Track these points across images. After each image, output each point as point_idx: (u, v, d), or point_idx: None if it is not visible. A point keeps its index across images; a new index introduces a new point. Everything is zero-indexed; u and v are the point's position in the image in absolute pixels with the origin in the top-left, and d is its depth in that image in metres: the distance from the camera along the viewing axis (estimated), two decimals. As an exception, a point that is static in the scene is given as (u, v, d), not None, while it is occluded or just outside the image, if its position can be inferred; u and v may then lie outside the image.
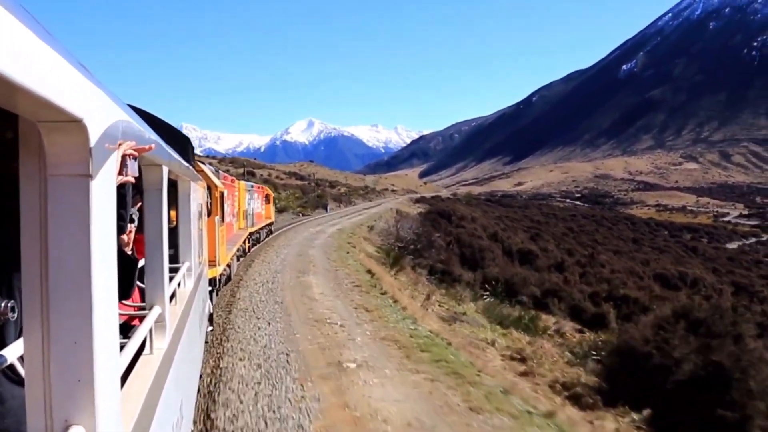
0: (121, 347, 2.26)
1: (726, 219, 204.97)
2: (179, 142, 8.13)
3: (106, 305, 1.91)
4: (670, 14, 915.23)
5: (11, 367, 2.06)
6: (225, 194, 17.46)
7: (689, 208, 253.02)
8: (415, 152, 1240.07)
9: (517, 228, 73.86)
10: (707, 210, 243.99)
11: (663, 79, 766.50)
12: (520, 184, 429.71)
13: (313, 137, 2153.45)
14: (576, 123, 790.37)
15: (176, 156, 5.07)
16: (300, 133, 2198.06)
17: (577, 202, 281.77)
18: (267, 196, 38.99)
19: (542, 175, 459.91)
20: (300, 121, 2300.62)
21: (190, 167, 7.40)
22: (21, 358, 1.98)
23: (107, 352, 1.98)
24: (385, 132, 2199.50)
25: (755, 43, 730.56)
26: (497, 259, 37.73)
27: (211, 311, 13.02)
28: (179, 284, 5.41)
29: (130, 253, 3.94)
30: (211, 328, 12.62)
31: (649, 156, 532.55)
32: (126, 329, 3.53)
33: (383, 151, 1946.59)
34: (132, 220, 5.00)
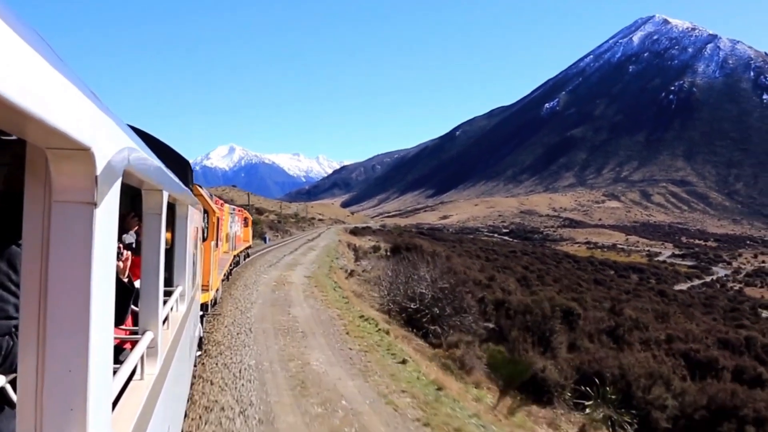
0: (114, 372, 2.29)
1: (660, 258, 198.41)
2: (179, 165, 8.60)
3: (102, 334, 1.88)
4: (591, 56, 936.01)
5: (2, 390, 2.09)
6: (219, 220, 17.64)
7: (620, 246, 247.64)
8: (337, 182, 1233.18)
9: (493, 267, 61.67)
10: (638, 249, 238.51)
11: (584, 118, 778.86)
12: (445, 217, 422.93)
13: (233, 163, 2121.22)
14: (499, 158, 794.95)
15: (176, 180, 5.16)
16: (220, 159, 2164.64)
17: (506, 237, 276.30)
18: (245, 219, 38.34)
19: (468, 209, 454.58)
20: (221, 146, 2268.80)
21: (189, 192, 7.60)
22: (13, 382, 1.96)
23: (101, 381, 1.83)
24: (307, 161, 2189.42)
25: (672, 88, 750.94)
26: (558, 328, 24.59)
27: (201, 335, 12.94)
28: (172, 308, 5.43)
29: (126, 280, 3.98)
30: (200, 352, 12.58)
31: (572, 193, 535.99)
32: (117, 352, 3.52)
33: (304, 180, 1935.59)
34: (129, 247, 5.31)
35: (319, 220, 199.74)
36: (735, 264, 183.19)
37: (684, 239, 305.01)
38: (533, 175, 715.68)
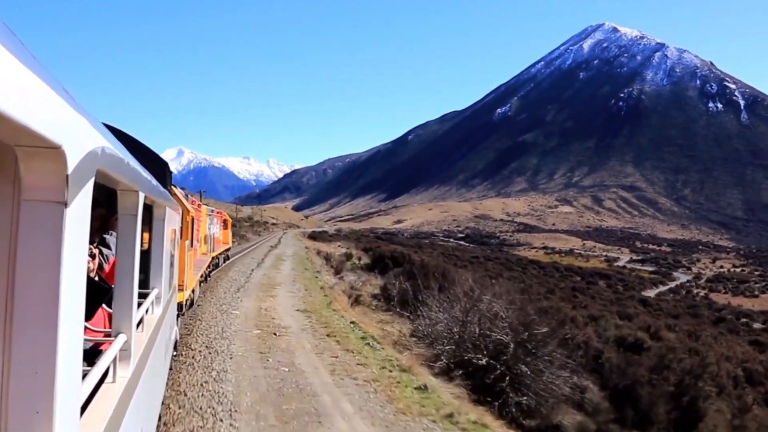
0: (85, 375, 2.21)
1: (620, 263, 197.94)
2: (157, 166, 8.36)
3: (72, 336, 1.83)
4: (542, 62, 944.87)
5: None
6: (194, 219, 17.68)
7: (577, 251, 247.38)
8: (288, 186, 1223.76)
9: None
10: (596, 254, 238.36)
11: (535, 123, 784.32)
12: (399, 221, 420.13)
13: (182, 166, 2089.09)
14: (451, 163, 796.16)
15: (153, 181, 5.16)
16: (169, 162, 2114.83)
17: (462, 242, 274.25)
18: (225, 221, 37.18)
19: (422, 213, 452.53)
20: (169, 149, 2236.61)
21: (167, 193, 7.51)
22: None
23: (69, 384, 1.76)
24: (257, 165, 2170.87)
25: (622, 94, 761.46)
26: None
27: (177, 337, 12.65)
28: (147, 311, 5.38)
29: (96, 278, 3.93)
30: (175, 353, 12.48)
31: (525, 198, 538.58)
32: (94, 355, 3.51)
33: (254, 183, 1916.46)
34: (101, 248, 5.31)
35: (273, 224, 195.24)
36: (695, 269, 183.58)
37: (638, 244, 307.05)
38: (485, 180, 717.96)
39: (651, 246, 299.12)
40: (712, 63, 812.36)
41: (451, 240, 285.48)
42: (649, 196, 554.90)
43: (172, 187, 13.10)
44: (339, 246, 78.01)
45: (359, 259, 49.90)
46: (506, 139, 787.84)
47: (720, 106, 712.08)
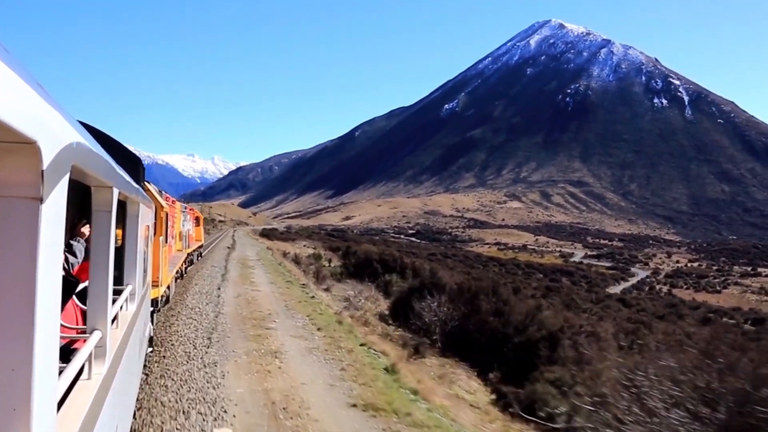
0: (60, 372, 2.12)
1: (575, 259, 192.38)
2: (131, 162, 8.50)
3: (48, 333, 1.70)
4: (489, 58, 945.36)
5: None
6: (168, 215, 17.61)
7: (531, 247, 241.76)
8: (233, 183, 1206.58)
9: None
10: (550, 249, 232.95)
11: (483, 119, 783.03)
12: (348, 218, 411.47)
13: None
14: (399, 159, 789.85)
15: (127, 178, 5.27)
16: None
17: (413, 239, 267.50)
18: (197, 218, 36.82)
19: (371, 209, 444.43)
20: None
21: (140, 189, 7.60)
22: None
23: (46, 380, 1.71)
24: (202, 162, 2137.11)
25: (569, 90, 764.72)
26: None
27: (152, 333, 12.63)
28: (121, 307, 5.51)
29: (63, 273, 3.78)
30: (150, 349, 12.40)
31: (474, 194, 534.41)
32: (65, 353, 3.40)
33: (199, 181, 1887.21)
34: (66, 255, 5.27)
35: (221, 221, 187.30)
36: (652, 264, 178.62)
37: (590, 239, 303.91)
38: (433, 176, 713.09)
39: (603, 241, 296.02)
40: (656, 59, 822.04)
41: (402, 236, 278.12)
42: (596, 191, 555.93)
43: (146, 183, 12.56)
44: (304, 246, 69.38)
45: (329, 261, 41.58)
46: (454, 134, 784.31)
47: (665, 101, 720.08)
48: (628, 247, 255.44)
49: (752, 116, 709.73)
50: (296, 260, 41.37)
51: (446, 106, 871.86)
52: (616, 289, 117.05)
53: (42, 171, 1.87)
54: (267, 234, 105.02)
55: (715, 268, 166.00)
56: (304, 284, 28.20)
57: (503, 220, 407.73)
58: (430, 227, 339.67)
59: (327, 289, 28.71)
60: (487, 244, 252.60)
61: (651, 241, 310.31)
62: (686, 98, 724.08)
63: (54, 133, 1.94)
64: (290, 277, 31.22)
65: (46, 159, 1.90)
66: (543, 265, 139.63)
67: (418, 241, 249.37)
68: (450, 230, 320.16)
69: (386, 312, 22.66)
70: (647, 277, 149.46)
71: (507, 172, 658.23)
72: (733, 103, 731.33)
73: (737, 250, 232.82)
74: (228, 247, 54.89)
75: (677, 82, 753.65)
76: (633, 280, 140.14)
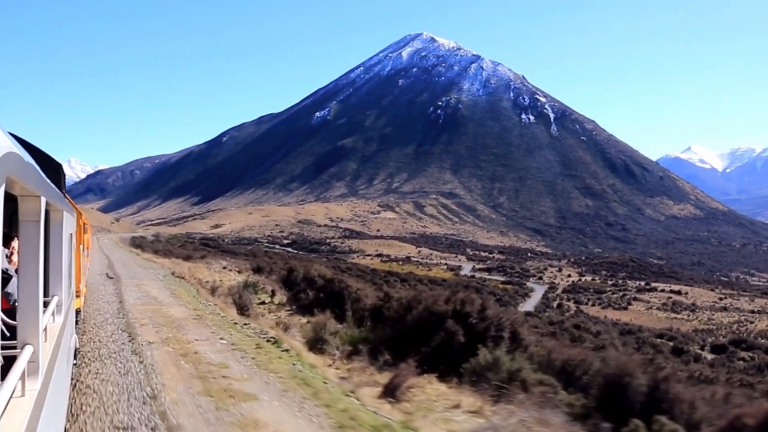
0: None
1: (465, 273, 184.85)
2: (51, 168, 8.14)
3: None
4: (361, 68, 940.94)
5: None
6: (85, 223, 17.70)
7: (415, 259, 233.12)
8: (92, 187, 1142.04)
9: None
10: (435, 262, 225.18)
11: (355, 128, 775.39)
12: (218, 226, 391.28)
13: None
14: (269, 166, 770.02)
15: (51, 185, 5.22)
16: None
17: (289, 249, 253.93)
18: (85, 225, 28.01)
19: (242, 217, 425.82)
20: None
21: (63, 196, 7.45)
22: None
23: None
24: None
25: (440, 103, 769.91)
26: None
27: (77, 345, 12.12)
28: (49, 319, 5.35)
29: None
30: (76, 361, 11.81)
31: (348, 203, 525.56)
32: None
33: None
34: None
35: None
36: (546, 279, 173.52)
37: (470, 251, 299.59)
38: (304, 184, 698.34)
39: (483, 253, 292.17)
40: (524, 77, 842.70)
41: (277, 246, 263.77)
42: (468, 203, 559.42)
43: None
44: (227, 269, 44.97)
45: (272, 294, 26.95)
46: (325, 143, 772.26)
47: (532, 117, 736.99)
48: (509, 260, 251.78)
49: (612, 135, 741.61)
50: (212, 289, 27.29)
51: (317, 114, 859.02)
52: (527, 306, 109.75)
53: None
54: (140, 244, 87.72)
55: (611, 282, 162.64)
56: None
57: (378, 230, 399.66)
58: (306, 237, 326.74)
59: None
60: (368, 255, 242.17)
61: (529, 254, 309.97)
62: (552, 115, 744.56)
63: None
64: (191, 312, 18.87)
65: None
66: (446, 280, 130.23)
67: (295, 251, 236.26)
68: (328, 240, 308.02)
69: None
70: (546, 292, 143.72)
71: (379, 182, 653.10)
72: (594, 121, 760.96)
73: (616, 263, 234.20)
74: (108, 276, 33.97)
75: (543, 100, 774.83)
76: (536, 296, 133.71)
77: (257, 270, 40.83)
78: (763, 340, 72.33)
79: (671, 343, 64.57)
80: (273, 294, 25.46)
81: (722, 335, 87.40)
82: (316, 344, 16.21)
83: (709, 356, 59.26)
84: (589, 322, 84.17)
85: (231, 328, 18.08)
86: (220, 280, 30.08)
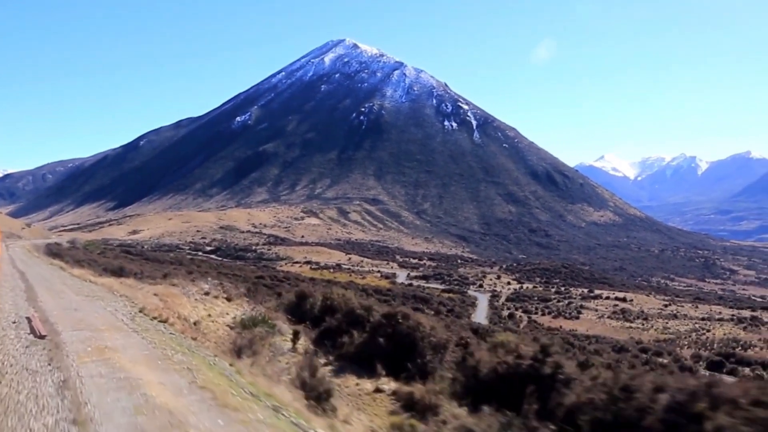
0: None
1: (402, 281, 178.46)
2: None
3: None
4: (283, 73, 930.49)
5: None
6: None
7: (345, 266, 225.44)
8: (0, 192, 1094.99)
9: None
10: (366, 269, 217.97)
11: (277, 133, 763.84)
12: (136, 232, 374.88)
13: None
14: (188, 171, 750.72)
15: None
16: None
17: (213, 256, 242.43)
18: None
19: (161, 223, 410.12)
20: None
21: None
22: None
23: None
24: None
25: (363, 109, 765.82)
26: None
27: None
28: None
29: None
30: None
31: (270, 209, 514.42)
32: None
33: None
34: None
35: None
36: (486, 287, 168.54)
37: (400, 258, 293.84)
38: (225, 189, 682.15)
39: (413, 260, 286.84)
40: (446, 84, 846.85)
41: (200, 253, 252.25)
42: (392, 210, 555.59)
43: None
44: (210, 296, 27.70)
45: (293, 337, 15.43)
46: (246, 148, 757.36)
47: (455, 124, 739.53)
48: (441, 267, 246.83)
49: (533, 142, 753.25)
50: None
51: (238, 118, 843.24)
52: (479, 317, 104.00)
53: None
54: (57, 253, 76.11)
55: (554, 290, 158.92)
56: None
57: (303, 236, 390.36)
58: (229, 243, 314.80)
59: None
60: (297, 262, 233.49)
61: (459, 260, 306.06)
62: (474, 122, 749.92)
63: None
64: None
65: None
66: (391, 290, 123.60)
67: (219, 258, 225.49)
68: (253, 247, 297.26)
69: None
70: (491, 301, 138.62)
71: (301, 187, 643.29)
72: (515, 129, 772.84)
73: (548, 269, 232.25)
74: (35, 334, 12.66)
75: (466, 107, 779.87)
76: (482, 306, 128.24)
77: (249, 294, 27.66)
78: (749, 352, 68.33)
79: (664, 360, 59.67)
80: (296, 337, 14.15)
81: (686, 345, 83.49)
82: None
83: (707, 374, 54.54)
84: (549, 333, 79.05)
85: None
86: (209, 316, 16.89)
